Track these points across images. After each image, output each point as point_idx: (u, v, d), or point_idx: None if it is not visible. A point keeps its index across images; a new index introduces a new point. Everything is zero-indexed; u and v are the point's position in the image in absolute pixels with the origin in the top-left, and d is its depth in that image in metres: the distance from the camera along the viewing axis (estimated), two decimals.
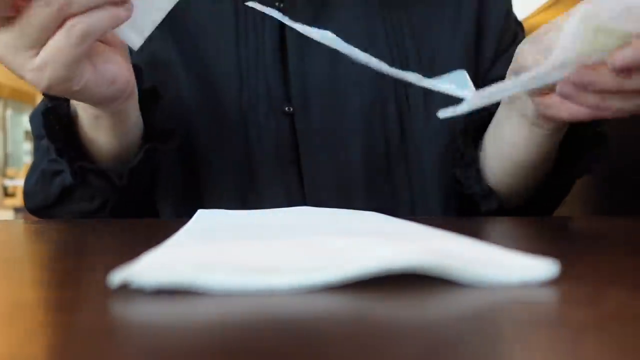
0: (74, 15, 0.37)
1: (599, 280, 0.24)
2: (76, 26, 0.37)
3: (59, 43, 0.38)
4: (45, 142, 0.57)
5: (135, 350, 0.15)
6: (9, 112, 8.90)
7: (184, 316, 0.18)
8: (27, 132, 9.39)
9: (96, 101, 0.46)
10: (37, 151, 0.63)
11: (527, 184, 0.59)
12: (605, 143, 0.57)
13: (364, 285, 0.20)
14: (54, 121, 0.52)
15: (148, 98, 0.54)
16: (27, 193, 0.62)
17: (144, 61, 0.59)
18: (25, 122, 9.30)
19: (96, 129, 0.52)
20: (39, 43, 0.38)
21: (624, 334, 0.16)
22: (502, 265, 0.22)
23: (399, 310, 0.19)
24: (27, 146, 9.47)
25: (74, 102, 0.52)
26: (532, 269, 0.21)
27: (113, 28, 0.39)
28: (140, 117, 0.54)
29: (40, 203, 0.60)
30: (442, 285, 0.20)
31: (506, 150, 0.57)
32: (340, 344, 0.15)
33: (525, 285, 0.21)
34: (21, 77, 0.41)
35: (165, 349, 0.15)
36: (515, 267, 0.21)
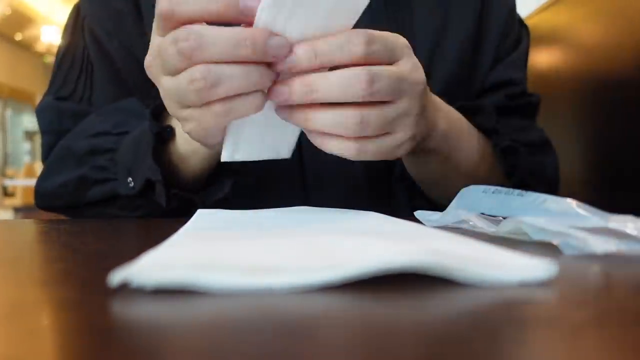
0: (213, 95, 0.37)
1: (598, 280, 0.24)
2: (216, 106, 0.38)
3: (199, 113, 0.39)
4: (83, 147, 0.56)
5: (135, 350, 0.15)
6: (8, 112, 8.91)
7: (184, 316, 0.18)
8: (26, 132, 9.39)
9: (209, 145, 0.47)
10: (47, 148, 0.62)
11: (451, 192, 0.60)
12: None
13: (364, 285, 0.20)
14: (160, 143, 0.52)
15: None
16: (47, 194, 0.61)
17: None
18: (25, 122, 9.31)
19: (204, 160, 0.53)
20: (185, 105, 0.39)
21: (622, 333, 0.16)
22: (502, 265, 0.22)
23: (399, 310, 0.19)
24: (27, 146, 9.47)
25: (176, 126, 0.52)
26: (531, 268, 0.21)
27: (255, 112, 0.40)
28: None
29: (68, 204, 0.59)
30: (442, 285, 0.20)
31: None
32: (340, 344, 0.15)
33: (524, 285, 0.21)
34: (173, 116, 0.42)
35: (165, 349, 0.15)
36: (514, 267, 0.21)
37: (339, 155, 0.41)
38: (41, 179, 0.62)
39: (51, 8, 7.78)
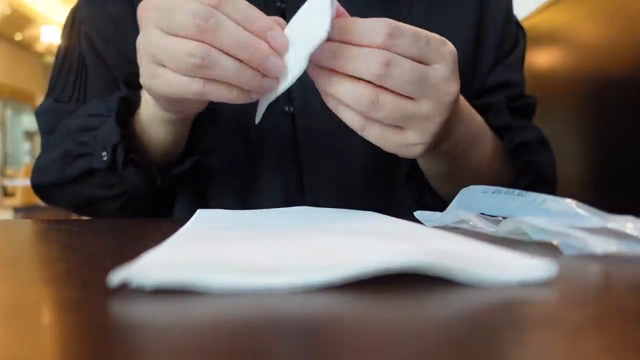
0: (205, 76, 0.40)
1: (598, 280, 0.24)
2: (197, 84, 0.40)
3: (174, 78, 0.41)
4: (74, 125, 0.58)
5: (135, 350, 0.15)
6: (8, 112, 8.90)
7: (183, 316, 0.18)
8: (26, 132, 9.39)
9: (190, 113, 0.51)
10: (45, 145, 0.63)
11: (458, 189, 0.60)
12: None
13: (363, 285, 0.20)
14: (126, 109, 0.54)
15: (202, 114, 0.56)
16: (39, 168, 0.62)
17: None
18: (24, 122, 9.31)
19: (163, 128, 0.54)
20: (161, 64, 0.41)
21: (622, 333, 0.16)
22: (502, 265, 0.22)
23: (399, 310, 0.19)
24: (27, 146, 9.47)
25: (149, 101, 0.53)
26: (531, 269, 0.21)
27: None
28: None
29: (54, 178, 0.60)
30: (441, 285, 0.20)
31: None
32: (340, 343, 0.15)
33: (524, 285, 0.21)
34: (145, 74, 0.44)
35: (165, 349, 0.15)
36: (514, 267, 0.21)
37: (346, 122, 0.43)
38: (38, 156, 0.63)
39: (51, 8, 7.78)
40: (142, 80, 0.44)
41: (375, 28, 0.39)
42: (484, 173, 0.58)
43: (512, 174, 0.61)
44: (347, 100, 0.41)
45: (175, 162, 0.58)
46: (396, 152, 0.44)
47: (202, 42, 0.38)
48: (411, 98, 0.41)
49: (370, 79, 0.39)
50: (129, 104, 0.55)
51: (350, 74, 0.40)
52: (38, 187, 0.63)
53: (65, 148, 0.59)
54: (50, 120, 0.63)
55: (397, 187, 0.63)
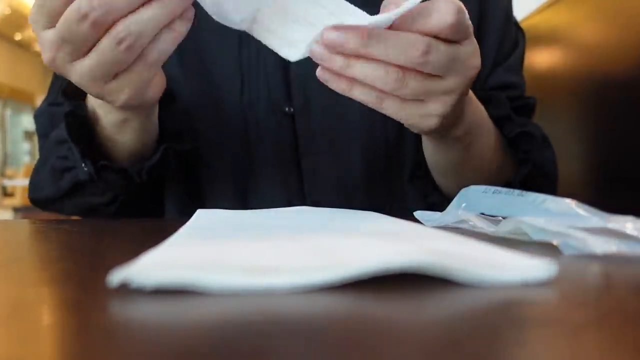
0: (142, 45, 0.39)
1: (598, 280, 0.24)
2: (149, 55, 0.40)
3: (131, 74, 0.41)
4: (53, 137, 0.57)
5: (135, 350, 0.15)
6: (8, 112, 8.90)
7: (184, 316, 0.18)
8: (26, 132, 9.39)
9: (145, 107, 0.48)
10: (42, 149, 0.63)
11: (463, 184, 0.60)
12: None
13: (363, 285, 0.20)
14: (76, 122, 0.53)
15: (163, 99, 0.55)
16: (35, 185, 0.62)
17: None
18: (24, 122, 9.31)
19: (121, 130, 0.52)
20: (113, 74, 0.41)
21: (622, 333, 0.16)
22: (502, 265, 0.22)
23: (399, 310, 0.19)
24: (26, 146, 9.47)
25: (92, 104, 0.52)
26: (531, 269, 0.21)
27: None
28: (157, 118, 0.55)
29: (49, 196, 0.60)
30: (441, 285, 0.20)
31: (426, 157, 0.59)
32: (340, 344, 0.15)
33: (524, 285, 0.21)
34: (98, 97, 0.43)
35: (165, 349, 0.15)
36: (514, 267, 0.21)
37: (359, 100, 0.42)
38: (34, 170, 0.63)
39: None
40: (117, 104, 0.43)
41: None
42: (488, 164, 0.57)
43: (513, 166, 0.61)
44: (373, 82, 0.39)
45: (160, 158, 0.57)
46: (412, 124, 0.43)
47: (108, 29, 0.38)
48: (439, 76, 0.40)
49: (408, 65, 0.38)
50: (78, 118, 0.53)
51: (383, 59, 0.39)
52: (36, 202, 0.63)
53: (50, 164, 0.59)
54: (45, 124, 0.63)
55: (398, 187, 0.63)
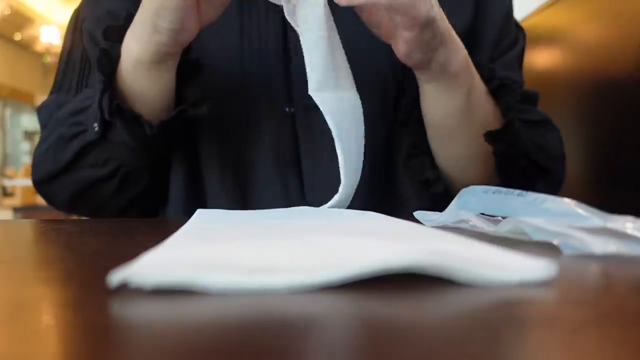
0: None
1: (598, 280, 0.24)
2: None
3: None
4: (67, 110, 0.58)
5: (135, 350, 0.15)
6: (7, 112, 8.90)
7: (183, 316, 0.18)
8: (26, 132, 9.38)
9: (178, 44, 0.53)
10: (43, 142, 0.63)
11: (461, 154, 0.60)
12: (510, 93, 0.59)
13: (363, 285, 0.20)
14: (107, 61, 0.55)
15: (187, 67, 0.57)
16: (35, 163, 0.62)
17: None
18: (24, 122, 9.30)
19: (148, 75, 0.54)
20: None
21: (622, 333, 0.16)
22: (501, 265, 0.22)
23: (399, 310, 0.19)
24: (26, 146, 9.46)
25: (129, 43, 0.54)
26: (531, 269, 0.21)
27: None
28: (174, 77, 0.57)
29: (49, 170, 0.60)
30: (441, 285, 0.20)
31: (427, 119, 0.59)
32: (340, 343, 0.15)
33: (523, 285, 0.21)
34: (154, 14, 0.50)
35: (165, 349, 0.15)
36: (513, 267, 0.21)
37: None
38: (34, 152, 0.63)
39: (50, 8, 7.77)
40: (139, 38, 0.49)
41: None
42: (487, 123, 0.58)
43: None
44: None
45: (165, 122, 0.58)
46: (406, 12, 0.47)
47: None
48: None
49: None
50: (110, 57, 0.55)
51: None
52: (37, 183, 0.63)
53: (58, 134, 0.59)
54: (50, 113, 0.63)
55: (398, 187, 0.63)
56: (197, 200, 0.62)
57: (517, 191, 0.37)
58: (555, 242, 0.29)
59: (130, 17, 0.54)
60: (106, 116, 0.55)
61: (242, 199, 0.61)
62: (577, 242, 0.28)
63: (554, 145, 0.66)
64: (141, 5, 0.52)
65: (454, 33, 0.53)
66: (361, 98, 0.54)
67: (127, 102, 0.56)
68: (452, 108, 0.57)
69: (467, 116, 0.57)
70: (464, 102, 0.56)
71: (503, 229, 0.33)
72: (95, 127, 0.55)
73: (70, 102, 0.61)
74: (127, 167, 0.59)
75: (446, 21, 0.51)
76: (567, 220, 0.30)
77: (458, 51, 0.53)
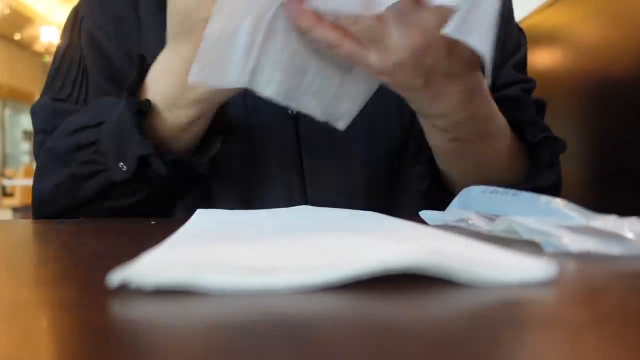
0: None
1: (598, 280, 0.24)
2: None
3: None
4: (71, 143, 0.56)
5: (134, 351, 0.15)
6: (7, 112, 8.90)
7: (183, 316, 0.18)
8: (25, 132, 9.39)
9: (220, 100, 0.53)
10: (38, 146, 0.61)
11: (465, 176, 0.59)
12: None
13: (364, 285, 0.20)
14: (132, 113, 0.53)
15: None
16: (43, 201, 0.59)
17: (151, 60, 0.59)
18: (23, 122, 9.31)
19: (186, 130, 0.54)
20: None
21: (622, 333, 0.16)
22: (501, 266, 0.22)
23: (399, 310, 0.19)
24: (26, 146, 9.47)
25: (160, 107, 0.53)
26: (531, 269, 0.21)
27: None
28: None
29: (66, 205, 0.58)
30: (441, 285, 0.20)
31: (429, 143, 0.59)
32: (340, 344, 0.15)
33: (523, 286, 0.21)
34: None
35: (165, 349, 0.15)
36: (513, 267, 0.21)
37: (320, 39, 0.44)
38: (33, 188, 0.60)
39: (50, 8, 7.77)
40: (170, 105, 0.49)
41: None
42: (493, 165, 0.57)
43: (525, 170, 0.60)
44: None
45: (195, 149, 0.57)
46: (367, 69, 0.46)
47: None
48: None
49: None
50: (137, 110, 0.53)
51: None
52: (47, 217, 0.60)
53: (68, 172, 0.56)
54: (45, 118, 0.61)
55: (400, 189, 0.63)
56: (200, 201, 0.62)
57: (512, 191, 0.38)
58: (537, 239, 0.29)
59: (143, 59, 0.54)
60: (162, 172, 0.53)
61: (246, 201, 0.62)
62: (557, 240, 0.28)
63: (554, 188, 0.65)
64: (168, 72, 0.51)
65: (442, 84, 0.48)
66: (362, 114, 0.54)
67: (160, 143, 0.54)
68: (439, 147, 0.55)
69: (458, 155, 0.55)
70: (452, 146, 0.54)
71: (498, 227, 0.34)
72: (123, 168, 0.53)
73: (57, 134, 0.58)
74: (157, 195, 0.57)
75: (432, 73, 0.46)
76: (555, 219, 0.31)
77: (441, 99, 0.48)
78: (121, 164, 0.53)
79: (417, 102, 0.49)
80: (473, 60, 0.46)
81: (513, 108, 0.58)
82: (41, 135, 0.62)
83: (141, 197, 0.57)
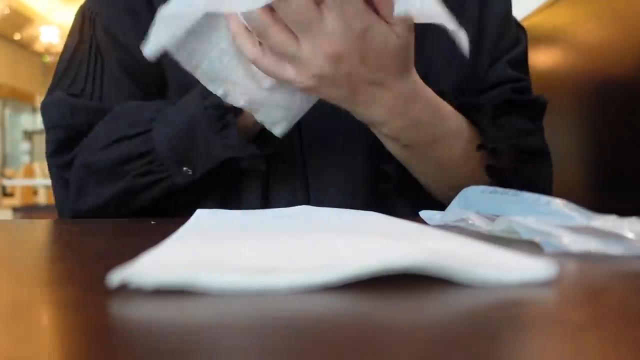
0: None
1: (598, 280, 0.24)
2: None
3: None
4: (123, 153, 0.56)
5: (135, 350, 0.15)
6: (7, 112, 8.90)
7: (183, 316, 0.18)
8: (25, 132, 9.38)
9: None
10: (53, 144, 0.61)
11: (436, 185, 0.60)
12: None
13: (364, 285, 0.20)
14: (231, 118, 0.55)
15: None
16: (88, 214, 0.58)
17: (152, 61, 0.59)
18: (24, 122, 9.31)
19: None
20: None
21: (622, 333, 0.16)
22: (501, 266, 0.22)
23: (399, 310, 0.19)
24: (26, 146, 9.47)
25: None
26: (531, 269, 0.21)
27: None
28: None
29: (118, 213, 0.58)
30: (441, 285, 0.20)
31: None
32: (340, 344, 0.15)
33: (523, 286, 0.21)
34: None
35: (165, 349, 0.15)
36: (514, 267, 0.21)
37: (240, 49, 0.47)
38: (68, 207, 0.59)
39: (50, 8, 7.77)
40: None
41: None
42: (453, 169, 0.57)
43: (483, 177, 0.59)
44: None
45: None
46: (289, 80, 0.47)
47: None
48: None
49: None
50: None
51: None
52: (81, 216, 0.60)
53: (121, 186, 0.56)
54: (61, 112, 0.60)
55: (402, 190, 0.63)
56: (202, 201, 0.62)
57: (512, 191, 0.38)
58: (537, 240, 0.29)
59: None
60: (262, 167, 0.56)
61: (249, 199, 0.62)
62: (557, 240, 0.28)
63: (544, 185, 0.64)
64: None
65: (375, 92, 0.49)
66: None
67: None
68: (399, 156, 0.56)
69: (415, 162, 0.56)
70: (408, 151, 0.55)
71: (497, 227, 0.34)
72: (189, 172, 0.54)
73: (97, 135, 0.58)
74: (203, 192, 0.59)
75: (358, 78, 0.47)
76: (556, 219, 0.31)
77: (373, 106, 0.50)
78: (185, 168, 0.54)
79: (355, 112, 0.51)
80: (400, 66, 0.47)
81: (469, 116, 0.58)
82: (57, 131, 0.61)
83: (195, 197, 0.58)
